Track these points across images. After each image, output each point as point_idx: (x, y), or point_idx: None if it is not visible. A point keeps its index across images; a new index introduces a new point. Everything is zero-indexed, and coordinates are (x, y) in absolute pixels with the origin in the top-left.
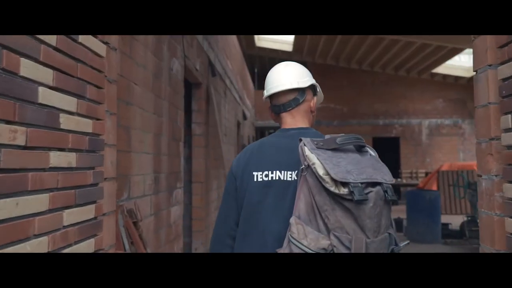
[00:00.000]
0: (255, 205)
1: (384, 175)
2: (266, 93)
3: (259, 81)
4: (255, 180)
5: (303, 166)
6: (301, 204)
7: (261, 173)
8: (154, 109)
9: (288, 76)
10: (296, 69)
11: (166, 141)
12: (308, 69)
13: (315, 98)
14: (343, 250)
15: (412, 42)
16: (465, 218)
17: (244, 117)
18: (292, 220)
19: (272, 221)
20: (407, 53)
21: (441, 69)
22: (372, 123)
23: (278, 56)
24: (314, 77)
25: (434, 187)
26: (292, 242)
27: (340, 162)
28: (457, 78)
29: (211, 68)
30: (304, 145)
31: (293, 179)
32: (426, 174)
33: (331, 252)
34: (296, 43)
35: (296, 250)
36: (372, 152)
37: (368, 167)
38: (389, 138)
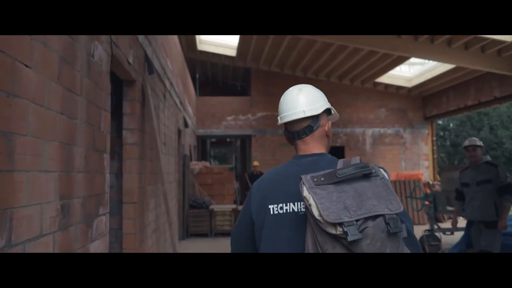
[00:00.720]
0: (273, 238)
1: (389, 203)
2: (280, 120)
3: (201, 87)
4: (271, 213)
5: (303, 206)
6: (308, 241)
7: (276, 205)
8: (62, 107)
9: (301, 103)
10: (309, 95)
11: (82, 153)
12: (252, 76)
13: (329, 122)
14: None
15: (359, 49)
16: (424, 232)
17: (186, 125)
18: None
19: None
20: (352, 61)
21: (384, 78)
22: None
23: (221, 61)
24: (258, 84)
25: None
26: None
27: (341, 196)
28: (398, 88)
29: (148, 64)
30: (303, 184)
31: (299, 210)
32: None
33: None
34: (240, 48)
35: None
36: (383, 174)
37: (370, 198)
38: (334, 148)
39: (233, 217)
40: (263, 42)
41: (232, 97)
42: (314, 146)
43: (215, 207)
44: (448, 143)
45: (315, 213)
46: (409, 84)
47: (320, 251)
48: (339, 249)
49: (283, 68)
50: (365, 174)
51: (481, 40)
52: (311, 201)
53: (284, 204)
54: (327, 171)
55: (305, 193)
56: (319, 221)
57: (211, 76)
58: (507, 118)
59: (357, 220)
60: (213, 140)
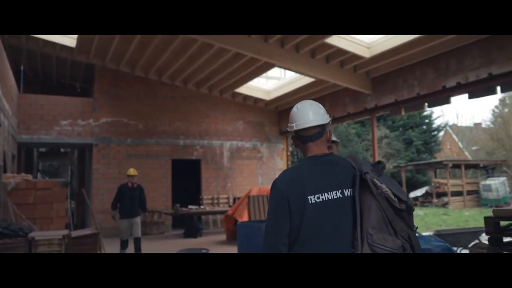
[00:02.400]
0: (316, 226)
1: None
2: (296, 127)
3: (27, 84)
4: (311, 202)
5: (379, 192)
6: (372, 217)
7: (313, 196)
8: None
9: (314, 114)
10: (319, 108)
11: None
12: (96, 74)
13: (330, 130)
14: (406, 244)
15: (221, 53)
16: None
17: None
18: (370, 230)
19: (333, 235)
20: (213, 66)
21: (243, 89)
22: (172, 143)
23: (55, 53)
24: (103, 84)
25: (245, 215)
26: (375, 246)
27: (388, 184)
28: (256, 100)
29: None
30: (369, 176)
31: (338, 197)
32: (235, 200)
33: (402, 247)
34: (81, 39)
35: (379, 251)
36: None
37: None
38: (190, 161)
39: (63, 247)
40: (110, 35)
41: (69, 98)
42: (323, 147)
43: (37, 234)
44: (296, 159)
45: (391, 195)
46: (267, 97)
47: (388, 223)
48: (399, 220)
49: (134, 68)
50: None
51: (341, 54)
52: (386, 188)
53: (320, 194)
54: (371, 167)
55: (378, 183)
56: (393, 200)
57: (42, 71)
58: (345, 138)
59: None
60: (42, 150)
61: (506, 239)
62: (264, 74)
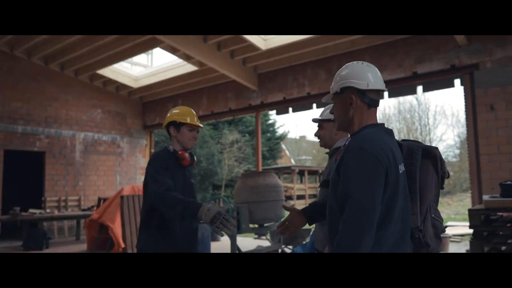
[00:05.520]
0: (403, 201)
1: None
2: (370, 85)
3: None
4: (401, 172)
5: (442, 168)
6: (430, 194)
7: (400, 165)
8: None
9: (382, 78)
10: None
11: None
12: None
13: None
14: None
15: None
16: None
17: None
18: (434, 204)
19: (406, 210)
20: (73, 37)
21: (106, 72)
22: (6, 129)
23: None
24: None
25: (118, 219)
26: (436, 220)
27: None
28: (119, 87)
29: None
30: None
31: (403, 170)
32: (99, 202)
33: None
34: None
35: (438, 224)
36: None
37: None
38: (31, 153)
39: None
40: None
41: None
42: (377, 117)
43: None
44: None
45: (447, 173)
46: (134, 85)
47: (437, 200)
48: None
49: None
50: None
51: (236, 42)
52: (445, 164)
53: (401, 165)
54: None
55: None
56: (446, 177)
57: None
58: (202, 139)
59: None
60: None
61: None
62: (129, 59)
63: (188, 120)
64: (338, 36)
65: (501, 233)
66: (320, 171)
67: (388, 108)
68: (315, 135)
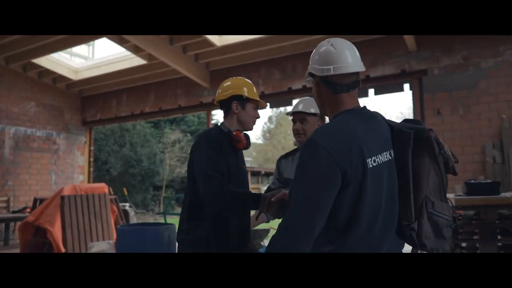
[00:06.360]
0: (375, 198)
1: None
2: (333, 70)
3: None
4: (370, 167)
5: (442, 151)
6: (430, 183)
7: (370, 159)
8: None
9: (353, 57)
10: (355, 51)
11: None
12: None
13: None
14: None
15: None
16: None
17: None
18: (431, 197)
19: (392, 206)
20: None
21: (43, 61)
22: None
23: None
24: None
25: (58, 221)
26: (436, 215)
27: None
28: (56, 79)
29: None
30: (435, 134)
31: (388, 159)
32: (35, 203)
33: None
34: None
35: (439, 220)
36: None
37: None
38: None
39: None
40: None
41: None
42: (357, 100)
43: None
44: (100, 154)
45: (451, 156)
46: (74, 77)
47: (442, 189)
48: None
49: None
50: None
51: (190, 37)
52: (446, 146)
53: (375, 156)
54: (410, 125)
55: (440, 140)
56: (452, 161)
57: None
58: (143, 137)
59: None
60: None
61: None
62: (68, 50)
63: (256, 97)
64: (294, 36)
65: (462, 230)
66: (263, 172)
67: None
68: (296, 129)
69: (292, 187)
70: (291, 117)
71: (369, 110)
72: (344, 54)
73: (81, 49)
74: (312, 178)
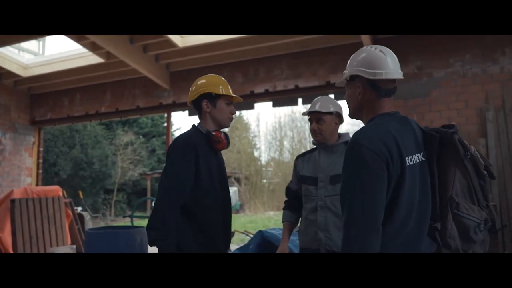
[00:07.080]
0: (412, 196)
1: None
2: (385, 75)
3: None
4: (408, 165)
5: (467, 154)
6: (456, 185)
7: (407, 157)
8: None
9: (398, 65)
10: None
11: None
12: None
13: None
14: (488, 216)
15: None
16: None
17: None
18: (456, 198)
19: (424, 206)
20: None
21: None
22: None
23: None
24: None
25: (7, 226)
26: (462, 216)
27: None
28: (2, 75)
29: None
30: (459, 136)
31: (421, 160)
32: None
33: (486, 219)
34: None
35: (467, 222)
36: None
37: None
38: None
39: None
40: None
41: None
42: (392, 105)
43: None
44: (48, 155)
45: (480, 158)
46: (23, 73)
47: (473, 191)
48: (479, 190)
49: None
50: None
51: (151, 36)
52: (473, 149)
53: (411, 156)
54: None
55: (465, 142)
56: (481, 164)
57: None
58: (94, 139)
59: None
60: None
61: None
62: (17, 44)
63: (224, 92)
64: (258, 40)
65: None
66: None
67: (283, 117)
68: (312, 129)
69: (345, 190)
70: (308, 117)
71: (402, 115)
72: (392, 61)
73: (30, 44)
74: (364, 178)
